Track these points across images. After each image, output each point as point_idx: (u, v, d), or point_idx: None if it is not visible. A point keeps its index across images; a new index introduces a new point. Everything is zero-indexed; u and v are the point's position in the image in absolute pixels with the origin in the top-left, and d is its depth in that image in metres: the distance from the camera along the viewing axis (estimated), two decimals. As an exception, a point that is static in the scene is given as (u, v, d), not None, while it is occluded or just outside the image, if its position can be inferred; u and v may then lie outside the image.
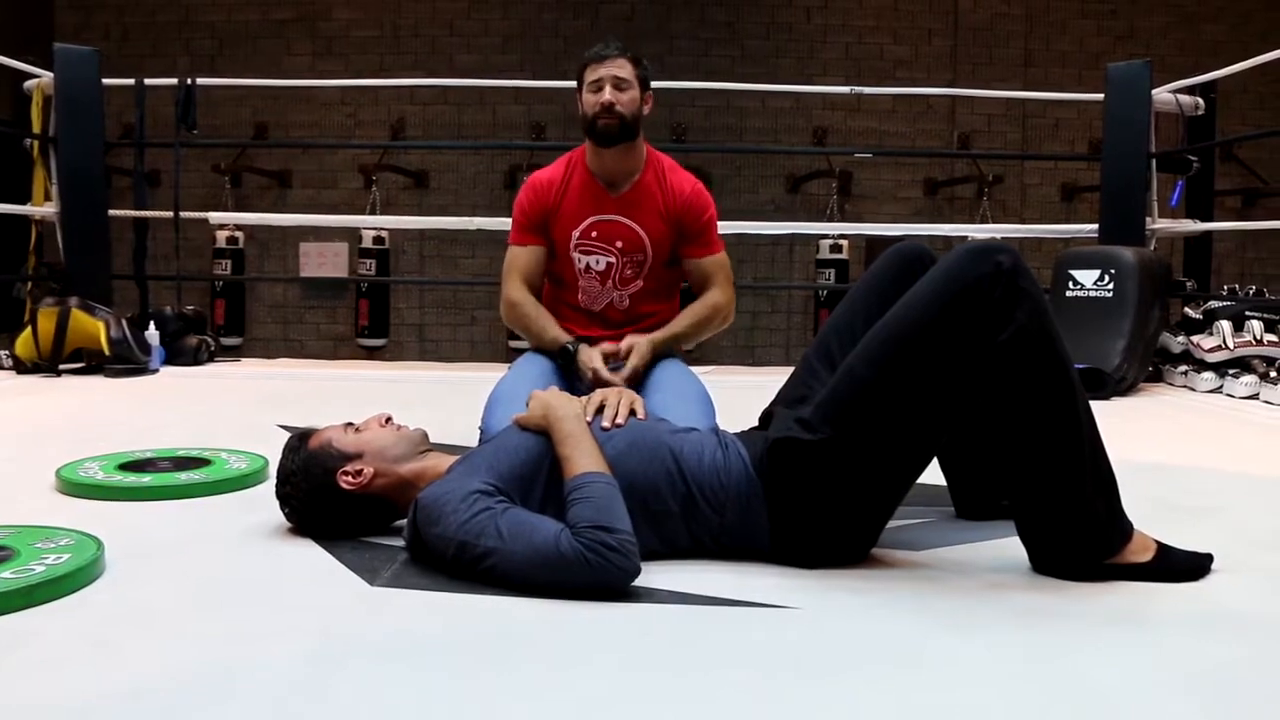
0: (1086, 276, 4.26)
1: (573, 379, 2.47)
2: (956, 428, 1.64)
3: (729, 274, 2.66)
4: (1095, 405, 1.63)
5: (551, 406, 1.70)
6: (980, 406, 1.59)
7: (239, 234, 7.36)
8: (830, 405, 1.61)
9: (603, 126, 2.50)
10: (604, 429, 1.71)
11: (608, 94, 2.48)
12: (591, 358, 2.44)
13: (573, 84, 2.63)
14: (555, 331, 2.54)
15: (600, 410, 1.76)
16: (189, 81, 5.12)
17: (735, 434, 1.78)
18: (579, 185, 2.59)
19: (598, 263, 2.58)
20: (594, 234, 2.57)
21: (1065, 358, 1.58)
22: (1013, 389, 1.56)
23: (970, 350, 1.54)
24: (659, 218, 2.57)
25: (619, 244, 2.57)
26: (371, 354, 7.50)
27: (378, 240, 7.35)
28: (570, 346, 2.49)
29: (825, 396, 1.63)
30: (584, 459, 1.60)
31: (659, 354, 2.52)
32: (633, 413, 1.78)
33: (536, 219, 2.60)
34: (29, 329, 4.23)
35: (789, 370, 1.93)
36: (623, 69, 2.51)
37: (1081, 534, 1.60)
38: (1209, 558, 1.66)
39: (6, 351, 4.37)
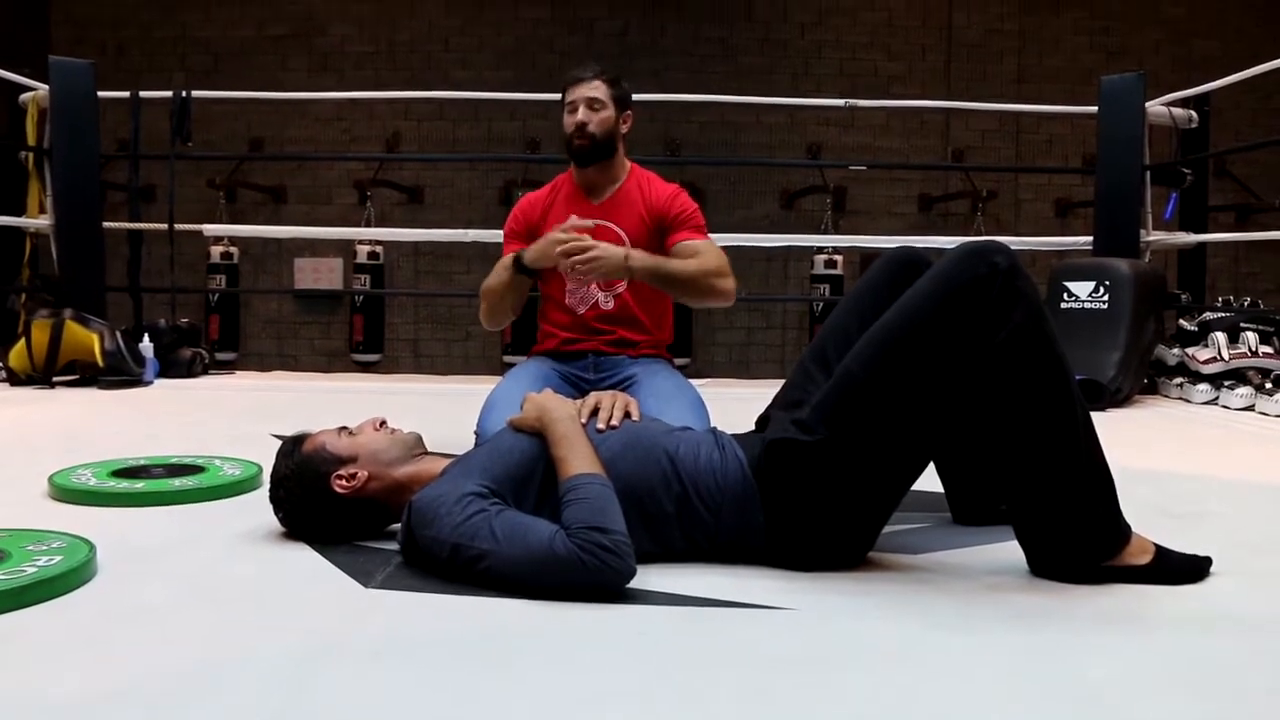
0: (1081, 288, 4.26)
1: (568, 379, 2.48)
2: (953, 429, 1.63)
3: (723, 255, 2.57)
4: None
5: (546, 408, 1.70)
6: (977, 407, 1.58)
7: (233, 249, 7.36)
8: (827, 407, 1.60)
9: (576, 146, 2.61)
10: (599, 431, 1.70)
11: (580, 114, 2.58)
12: (551, 237, 2.42)
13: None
14: (506, 259, 2.56)
15: (595, 412, 1.76)
16: (184, 94, 5.12)
17: (732, 435, 1.77)
18: (564, 197, 2.69)
19: None
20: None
21: (1062, 359, 1.58)
22: (1009, 389, 1.55)
23: (967, 351, 1.54)
24: (640, 219, 2.62)
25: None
26: (366, 369, 7.48)
27: (372, 255, 7.35)
28: (521, 254, 2.50)
29: (822, 398, 1.62)
30: (578, 460, 1.59)
31: (640, 269, 2.43)
32: (627, 415, 1.77)
33: (522, 231, 2.69)
34: (23, 341, 4.22)
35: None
36: (597, 90, 2.60)
37: (1079, 535, 1.59)
38: (1208, 560, 1.65)
39: (0, 363, 4.35)
